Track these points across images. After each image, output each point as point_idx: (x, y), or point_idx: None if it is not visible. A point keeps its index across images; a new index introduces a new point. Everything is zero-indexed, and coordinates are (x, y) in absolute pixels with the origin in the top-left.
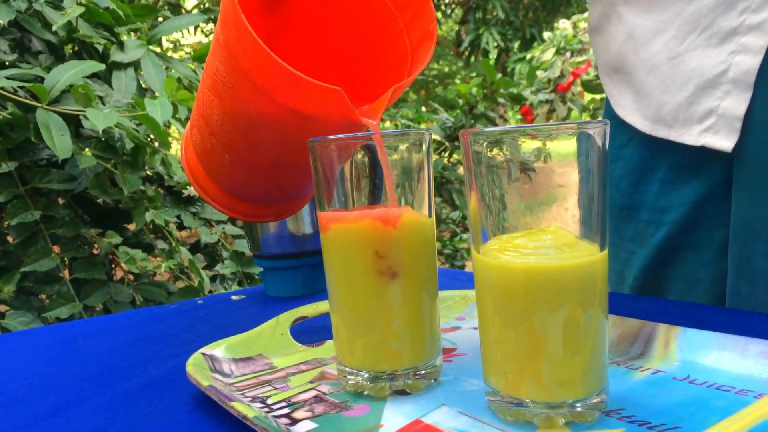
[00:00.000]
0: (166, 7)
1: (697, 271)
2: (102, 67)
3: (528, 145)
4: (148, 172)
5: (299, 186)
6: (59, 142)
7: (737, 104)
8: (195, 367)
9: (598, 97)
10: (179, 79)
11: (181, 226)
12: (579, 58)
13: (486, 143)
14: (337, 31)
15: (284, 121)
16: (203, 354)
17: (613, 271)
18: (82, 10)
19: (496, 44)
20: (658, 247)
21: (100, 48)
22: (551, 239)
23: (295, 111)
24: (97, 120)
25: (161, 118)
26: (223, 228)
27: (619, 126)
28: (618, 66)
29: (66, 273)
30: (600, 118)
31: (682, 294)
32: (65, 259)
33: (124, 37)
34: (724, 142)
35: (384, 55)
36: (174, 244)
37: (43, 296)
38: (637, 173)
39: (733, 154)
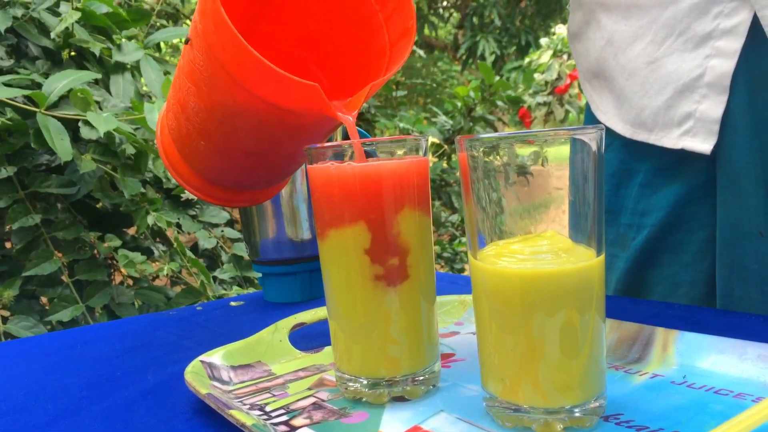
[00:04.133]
0: (164, 14)
1: (677, 273)
2: (99, 75)
3: (524, 151)
4: (146, 176)
5: (275, 173)
6: (60, 146)
7: (714, 107)
8: (193, 374)
9: None
10: None
11: (179, 231)
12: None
13: (482, 149)
14: (318, 19)
15: (261, 114)
16: (202, 361)
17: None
18: (78, 15)
19: (492, 51)
20: (639, 250)
21: (97, 53)
22: (548, 244)
23: (272, 104)
24: (98, 123)
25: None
26: (222, 231)
27: None
28: (598, 71)
29: (66, 276)
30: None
31: (663, 296)
32: (65, 262)
33: (122, 41)
34: (703, 144)
35: (363, 48)
36: (176, 245)
37: (45, 300)
38: (617, 177)
39: (714, 157)
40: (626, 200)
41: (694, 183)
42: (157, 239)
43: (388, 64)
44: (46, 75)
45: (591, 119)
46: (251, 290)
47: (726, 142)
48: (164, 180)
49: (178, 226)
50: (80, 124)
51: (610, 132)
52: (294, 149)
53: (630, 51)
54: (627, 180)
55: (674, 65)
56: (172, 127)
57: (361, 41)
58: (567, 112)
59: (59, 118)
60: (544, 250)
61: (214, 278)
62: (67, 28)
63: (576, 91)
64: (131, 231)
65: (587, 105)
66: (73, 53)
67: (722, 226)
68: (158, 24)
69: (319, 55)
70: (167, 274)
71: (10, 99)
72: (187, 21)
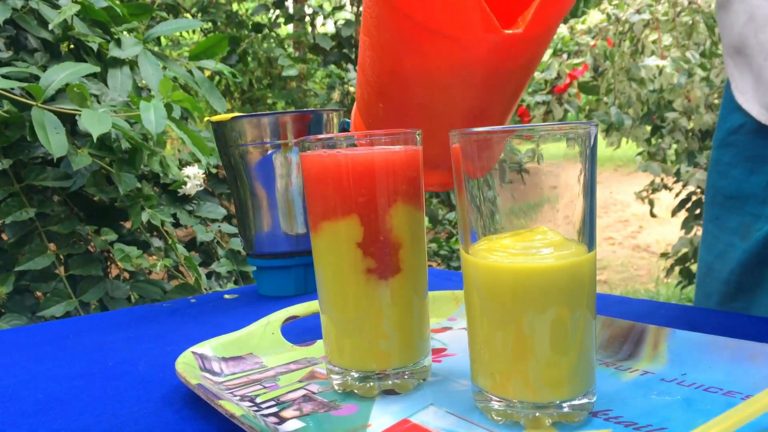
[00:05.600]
0: (164, 6)
1: None
2: (97, 69)
3: (519, 147)
4: (143, 171)
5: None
6: (54, 140)
7: None
8: (184, 365)
9: (593, 98)
10: (174, 79)
11: (176, 224)
12: (575, 60)
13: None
14: None
15: (427, 50)
16: (193, 352)
17: (703, 261)
18: (77, 8)
19: None
20: (763, 243)
21: (96, 47)
22: (539, 240)
23: (434, 30)
24: (92, 125)
25: (155, 128)
26: (219, 226)
27: (733, 110)
28: (740, 47)
29: (61, 270)
30: (593, 120)
31: None
32: (60, 256)
33: (121, 35)
34: None
35: None
36: (171, 241)
37: (38, 294)
38: (751, 162)
39: None
40: (756, 188)
41: None
42: (154, 233)
43: None
44: (45, 68)
45: (729, 99)
46: (248, 285)
47: None
48: (161, 175)
49: (174, 217)
50: (77, 117)
51: (744, 113)
52: (470, 105)
53: None
54: (759, 166)
55: None
56: (358, 100)
57: None
58: (566, 111)
59: (56, 112)
60: (535, 245)
61: (211, 273)
62: (66, 20)
63: (575, 90)
64: (128, 224)
65: (727, 83)
66: (71, 46)
67: None
68: (159, 17)
69: None
70: (162, 270)
71: (7, 91)
72: (187, 15)
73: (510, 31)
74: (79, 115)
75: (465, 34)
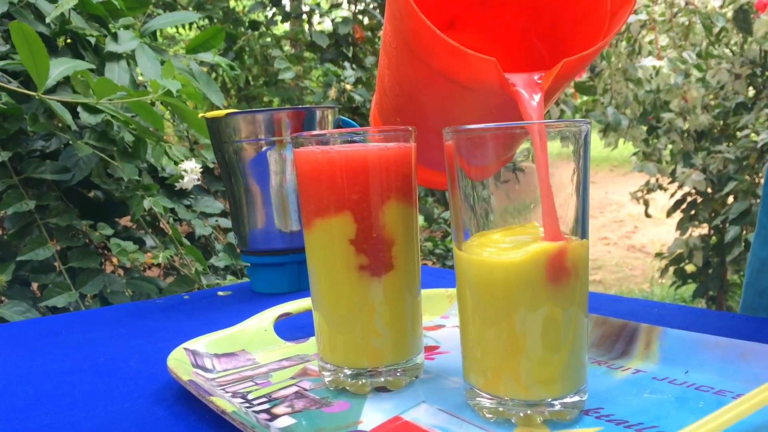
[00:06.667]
0: (161, 3)
1: None
2: (94, 66)
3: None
4: (141, 166)
5: None
6: (67, 118)
7: None
8: (176, 361)
9: (590, 98)
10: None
11: (174, 220)
12: None
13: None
14: None
15: (442, 90)
16: (185, 349)
17: (757, 257)
18: (75, 1)
19: None
20: None
21: (93, 41)
22: (531, 235)
23: (450, 79)
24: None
25: (173, 86)
26: (217, 221)
27: None
28: None
29: (58, 263)
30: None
31: None
32: (59, 248)
33: (118, 30)
34: None
35: (583, 17)
36: (172, 231)
37: (36, 286)
38: None
39: None
40: None
41: None
42: (150, 230)
43: (605, 34)
44: None
45: None
46: (245, 280)
47: None
48: (159, 169)
49: (173, 211)
50: (79, 108)
51: None
52: None
53: None
54: None
55: None
56: (377, 101)
57: (582, 9)
58: (562, 111)
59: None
60: (527, 240)
61: (209, 267)
62: (63, 14)
63: (572, 90)
64: (123, 221)
65: None
66: (69, 40)
67: None
68: (155, 14)
69: (542, 27)
70: (161, 263)
71: (5, 83)
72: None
73: (532, 101)
74: (82, 104)
75: (481, 85)
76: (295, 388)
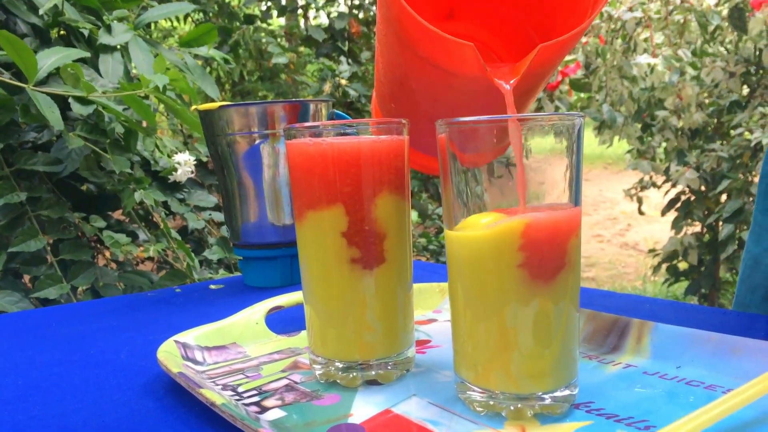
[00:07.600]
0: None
1: None
2: (87, 54)
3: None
4: (133, 159)
5: None
6: (51, 117)
7: None
8: (166, 354)
9: (585, 95)
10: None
11: (167, 213)
12: (567, 57)
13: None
14: None
15: (429, 76)
16: (176, 341)
17: (750, 254)
18: None
19: None
20: None
21: (86, 33)
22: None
23: (435, 65)
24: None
25: (161, 82)
26: (210, 215)
27: None
28: None
29: (50, 256)
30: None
31: None
32: (50, 240)
33: (112, 23)
34: None
35: (571, 8)
36: (163, 226)
37: (27, 278)
38: None
39: None
40: None
41: None
42: (142, 223)
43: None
44: (34, 53)
45: None
46: (238, 274)
47: None
48: (152, 162)
49: (165, 204)
50: (70, 100)
51: None
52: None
53: None
54: None
55: None
56: (376, 88)
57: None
58: (557, 108)
59: (48, 95)
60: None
61: (202, 261)
62: (56, 5)
63: (566, 87)
64: (116, 214)
65: None
66: (62, 32)
67: None
68: (150, 6)
69: (536, 17)
70: (154, 257)
71: None
72: None
73: (504, 84)
74: (73, 96)
75: (463, 70)
76: (285, 381)
